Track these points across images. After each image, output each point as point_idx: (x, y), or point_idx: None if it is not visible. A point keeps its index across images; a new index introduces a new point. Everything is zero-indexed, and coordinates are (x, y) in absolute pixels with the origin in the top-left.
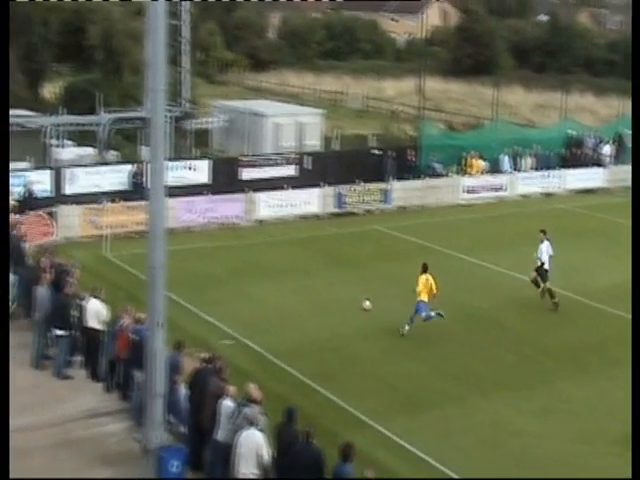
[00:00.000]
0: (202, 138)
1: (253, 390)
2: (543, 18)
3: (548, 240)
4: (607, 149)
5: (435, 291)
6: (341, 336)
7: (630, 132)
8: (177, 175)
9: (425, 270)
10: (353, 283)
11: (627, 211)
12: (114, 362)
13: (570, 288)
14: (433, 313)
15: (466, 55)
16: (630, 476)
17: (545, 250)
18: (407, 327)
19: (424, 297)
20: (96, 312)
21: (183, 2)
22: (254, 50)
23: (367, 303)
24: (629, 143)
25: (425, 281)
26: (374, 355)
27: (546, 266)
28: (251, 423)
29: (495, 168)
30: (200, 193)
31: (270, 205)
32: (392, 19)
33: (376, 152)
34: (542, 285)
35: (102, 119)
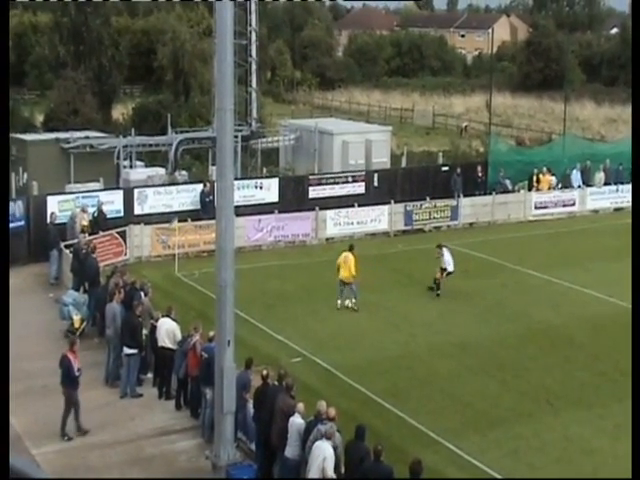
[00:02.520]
0: (270, 157)
1: (329, 407)
2: (614, 31)
3: (447, 248)
4: None
5: (354, 272)
6: (412, 353)
7: None
8: (246, 194)
9: (351, 249)
10: (423, 300)
11: None
12: (184, 380)
13: None
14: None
15: (535, 70)
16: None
17: (448, 259)
18: (353, 300)
19: (346, 275)
20: (168, 331)
21: (252, 22)
22: (322, 68)
23: (347, 302)
24: None
25: (344, 258)
26: (445, 372)
27: (450, 269)
28: (326, 437)
29: (565, 183)
30: (269, 212)
31: (338, 223)
32: (462, 35)
33: (444, 169)
34: (439, 278)
35: (171, 139)
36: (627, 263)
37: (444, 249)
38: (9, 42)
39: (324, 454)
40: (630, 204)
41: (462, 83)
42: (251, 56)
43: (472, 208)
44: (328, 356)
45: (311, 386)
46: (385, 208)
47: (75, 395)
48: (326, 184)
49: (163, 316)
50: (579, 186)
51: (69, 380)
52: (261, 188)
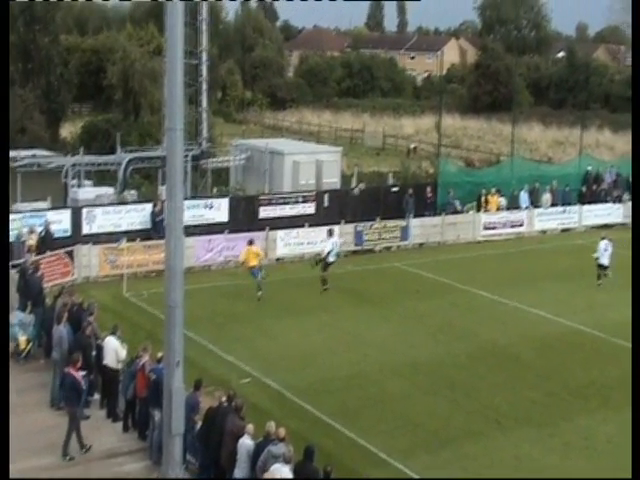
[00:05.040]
0: (221, 177)
1: (278, 428)
2: (560, 55)
3: (333, 237)
4: None
5: (261, 255)
6: (363, 373)
7: None
8: (196, 214)
9: (251, 244)
10: (374, 320)
11: None
12: (133, 401)
13: (590, 324)
14: (260, 277)
15: (484, 92)
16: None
17: (331, 246)
18: (260, 293)
19: (253, 263)
20: (113, 351)
21: (202, 42)
22: (273, 89)
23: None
24: None
25: (247, 251)
26: (396, 392)
27: (331, 259)
28: (286, 461)
29: (513, 204)
30: (219, 232)
31: (289, 243)
32: (412, 57)
33: (394, 189)
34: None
35: (121, 158)
36: (574, 283)
37: (334, 236)
38: (9, 44)
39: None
40: (578, 225)
41: (412, 104)
42: (202, 76)
43: (422, 229)
44: (278, 376)
45: (261, 407)
46: (335, 228)
47: (80, 411)
48: (276, 204)
49: (108, 335)
50: (527, 207)
51: (76, 395)
52: (211, 208)
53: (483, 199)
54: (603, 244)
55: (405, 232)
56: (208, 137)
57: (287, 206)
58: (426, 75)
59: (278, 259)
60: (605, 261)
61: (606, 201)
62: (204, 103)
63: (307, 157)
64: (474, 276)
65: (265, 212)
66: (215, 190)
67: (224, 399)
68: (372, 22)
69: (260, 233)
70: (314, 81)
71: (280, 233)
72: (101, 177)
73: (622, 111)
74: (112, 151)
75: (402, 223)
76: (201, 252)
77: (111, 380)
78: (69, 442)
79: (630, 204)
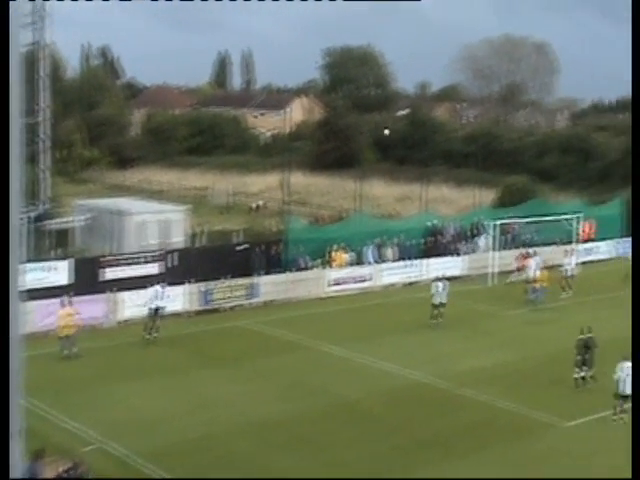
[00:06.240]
0: (63, 238)
1: None
2: (403, 112)
3: (161, 286)
4: (482, 240)
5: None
6: (212, 435)
7: (487, 222)
8: (36, 277)
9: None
10: (222, 381)
11: (485, 297)
12: None
13: (435, 375)
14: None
15: (329, 149)
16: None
17: (153, 296)
18: (73, 350)
19: (68, 332)
20: None
21: (42, 100)
22: (117, 147)
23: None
24: (489, 232)
25: (65, 316)
26: (247, 451)
27: (160, 305)
28: None
29: (360, 260)
30: (60, 295)
31: (134, 305)
32: (255, 116)
33: (242, 247)
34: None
35: None
36: (419, 335)
37: (158, 287)
38: (9, 47)
39: None
40: (422, 277)
41: (258, 162)
42: (42, 134)
43: (270, 286)
44: (123, 442)
45: (106, 474)
46: (181, 288)
47: None
48: (121, 265)
49: None
50: (373, 262)
51: None
52: (53, 271)
53: (330, 255)
54: (441, 284)
55: (253, 290)
56: (49, 197)
57: (132, 267)
58: (273, 132)
59: (124, 321)
60: (440, 299)
61: (447, 254)
62: (45, 162)
63: (152, 216)
64: (322, 332)
65: (110, 273)
66: (57, 252)
67: (67, 468)
68: (220, 79)
69: (103, 295)
70: (159, 139)
71: (125, 295)
72: None
73: (462, 167)
74: None
75: (249, 281)
76: (41, 317)
77: None
78: None
79: (470, 257)
